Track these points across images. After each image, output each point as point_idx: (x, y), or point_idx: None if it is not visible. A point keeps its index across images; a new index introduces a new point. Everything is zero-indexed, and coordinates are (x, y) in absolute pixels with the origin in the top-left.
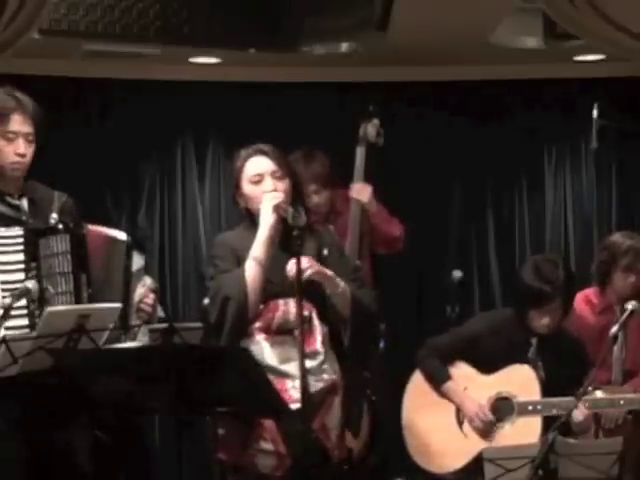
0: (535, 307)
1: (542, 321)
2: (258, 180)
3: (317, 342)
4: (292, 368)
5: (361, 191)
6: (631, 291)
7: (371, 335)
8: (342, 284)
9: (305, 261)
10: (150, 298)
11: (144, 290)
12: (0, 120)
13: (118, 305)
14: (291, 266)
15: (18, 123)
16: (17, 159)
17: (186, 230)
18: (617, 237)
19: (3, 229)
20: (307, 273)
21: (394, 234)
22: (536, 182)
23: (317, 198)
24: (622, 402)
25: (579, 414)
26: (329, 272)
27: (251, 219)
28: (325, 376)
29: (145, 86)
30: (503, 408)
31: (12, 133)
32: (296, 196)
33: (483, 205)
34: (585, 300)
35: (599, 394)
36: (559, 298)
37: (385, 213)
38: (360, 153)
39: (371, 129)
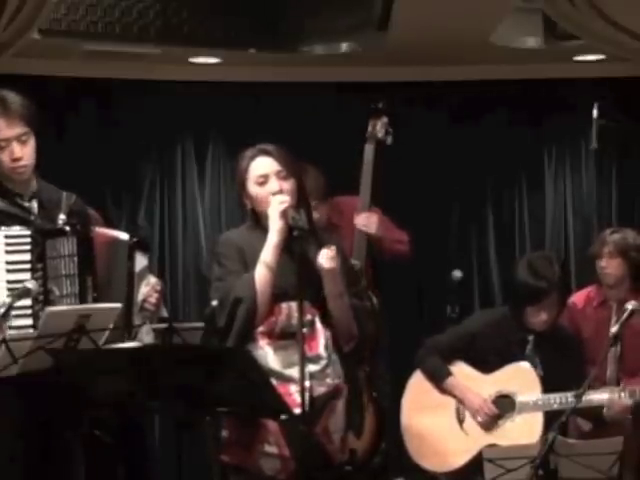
0: (531, 304)
1: (539, 317)
2: (263, 181)
3: (320, 346)
4: (296, 372)
5: (367, 222)
6: (614, 281)
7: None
8: (345, 296)
9: (330, 252)
10: (154, 297)
11: (148, 289)
12: None
13: (118, 305)
14: (322, 256)
15: (6, 129)
16: (15, 164)
17: (186, 230)
18: (606, 232)
19: (11, 229)
20: (330, 264)
21: (402, 242)
22: (536, 182)
23: (315, 214)
24: (623, 395)
25: (617, 406)
26: (340, 283)
27: (256, 220)
28: (328, 380)
29: (145, 86)
30: (504, 406)
31: (3, 141)
32: (301, 197)
33: (483, 205)
34: (586, 295)
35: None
36: (555, 294)
37: (388, 223)
38: (368, 150)
39: (380, 126)
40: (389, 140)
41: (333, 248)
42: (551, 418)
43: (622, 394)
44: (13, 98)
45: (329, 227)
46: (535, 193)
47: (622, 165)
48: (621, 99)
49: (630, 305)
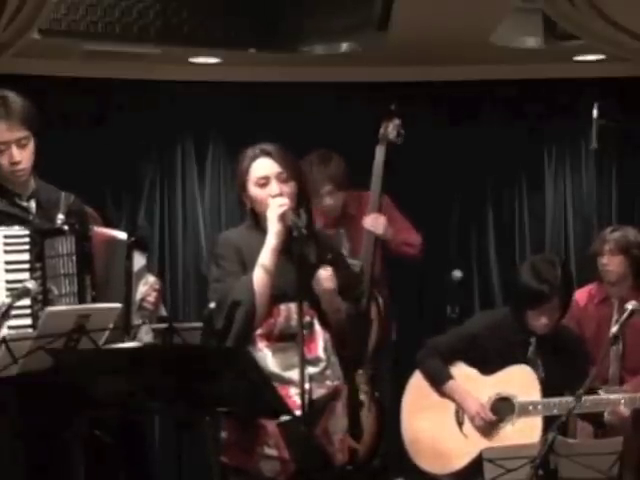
0: (533, 307)
1: (540, 321)
2: (264, 183)
3: (319, 348)
4: (295, 374)
5: (375, 223)
6: (615, 279)
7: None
8: (342, 311)
9: (326, 273)
10: (152, 296)
11: (146, 288)
12: None
13: (118, 305)
14: (318, 277)
15: (6, 133)
16: (14, 167)
17: (186, 230)
18: (607, 230)
19: (9, 228)
20: (326, 285)
21: (411, 245)
22: (536, 182)
23: (330, 200)
24: (623, 402)
25: (620, 412)
26: (337, 299)
27: (256, 220)
28: (328, 382)
29: (145, 86)
30: (503, 408)
31: (2, 144)
32: (302, 198)
33: (483, 205)
34: (587, 292)
35: (600, 394)
36: (557, 298)
37: (403, 224)
38: (380, 152)
39: (392, 128)
40: (400, 142)
41: (329, 268)
42: (550, 422)
43: (622, 401)
44: (14, 99)
45: (343, 216)
46: (535, 193)
47: (622, 165)
48: (621, 99)
49: (630, 305)
